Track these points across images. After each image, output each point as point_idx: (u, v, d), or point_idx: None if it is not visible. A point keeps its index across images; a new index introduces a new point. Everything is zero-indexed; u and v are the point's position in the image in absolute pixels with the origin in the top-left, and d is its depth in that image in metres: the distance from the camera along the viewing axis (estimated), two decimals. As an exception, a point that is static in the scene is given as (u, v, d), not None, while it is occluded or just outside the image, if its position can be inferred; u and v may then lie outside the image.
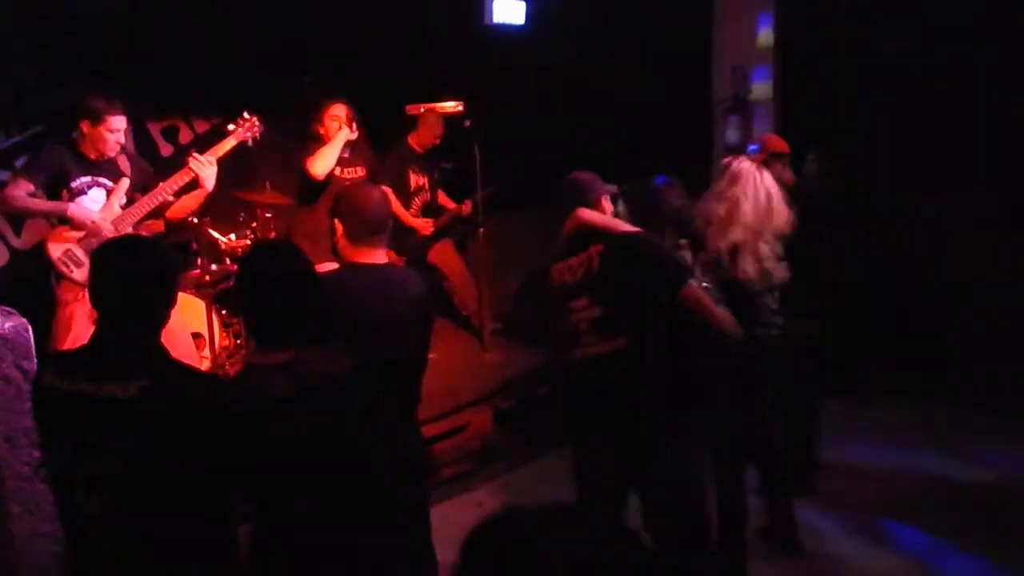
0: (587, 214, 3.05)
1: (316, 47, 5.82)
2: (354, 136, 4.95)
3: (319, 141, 4.90)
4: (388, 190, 5.45)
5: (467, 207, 5.73)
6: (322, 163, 4.79)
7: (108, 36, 4.93)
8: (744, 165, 3.51)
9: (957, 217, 5.56)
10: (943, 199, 5.60)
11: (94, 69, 4.85)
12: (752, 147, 4.33)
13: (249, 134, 4.33)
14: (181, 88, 5.40)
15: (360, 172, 5.12)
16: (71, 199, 3.95)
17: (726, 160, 3.64)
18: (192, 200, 4.18)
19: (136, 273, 2.06)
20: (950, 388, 5.13)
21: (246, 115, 4.36)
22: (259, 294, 2.22)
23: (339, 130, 4.85)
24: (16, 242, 5.05)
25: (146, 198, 4.04)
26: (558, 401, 3.20)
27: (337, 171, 4.96)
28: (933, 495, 4.26)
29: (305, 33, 5.76)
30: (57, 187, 3.97)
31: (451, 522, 3.65)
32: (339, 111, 4.90)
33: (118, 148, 4.04)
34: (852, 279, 4.68)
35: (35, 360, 2.94)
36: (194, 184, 4.10)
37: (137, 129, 5.42)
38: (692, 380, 3.03)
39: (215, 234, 5.18)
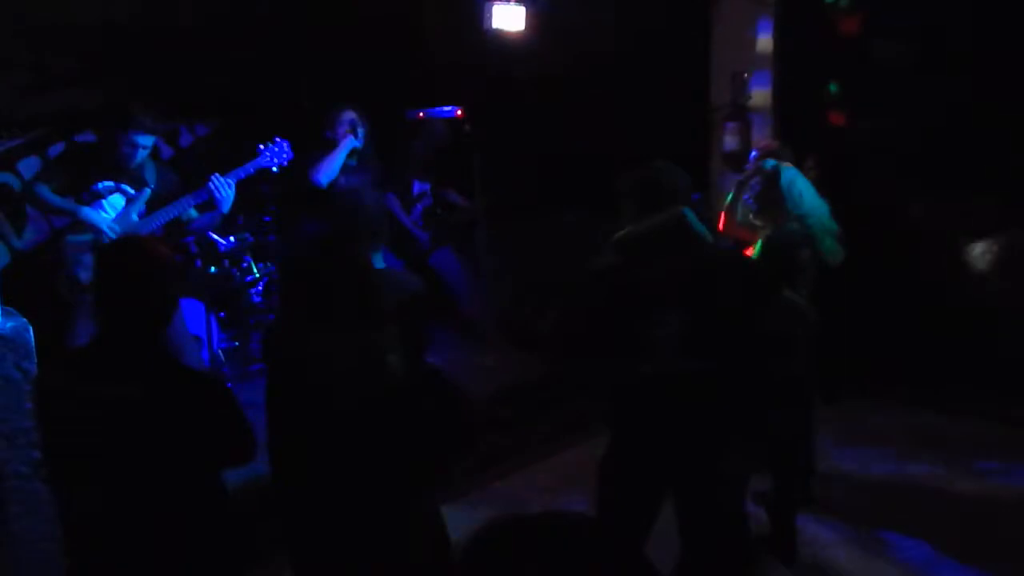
0: (691, 218, 2.79)
1: (316, 52, 5.84)
2: (359, 144, 4.95)
3: (327, 146, 4.90)
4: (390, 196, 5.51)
5: (475, 209, 5.73)
6: (326, 171, 4.79)
7: (109, 39, 4.96)
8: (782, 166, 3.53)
9: (956, 223, 5.57)
10: (943, 205, 5.61)
11: (95, 71, 4.88)
12: (754, 153, 4.35)
13: (276, 160, 4.29)
14: (182, 91, 5.43)
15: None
16: (91, 201, 3.97)
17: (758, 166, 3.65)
18: (207, 219, 4.22)
19: (138, 275, 2.08)
20: (950, 397, 5.13)
21: (276, 140, 4.30)
22: (343, 278, 2.29)
23: (345, 137, 4.86)
24: (18, 243, 5.07)
25: (162, 211, 4.05)
26: (619, 406, 2.91)
27: (342, 180, 4.96)
28: (932, 505, 4.24)
29: (305, 38, 5.79)
30: (79, 187, 3.99)
31: (449, 526, 3.67)
32: (348, 117, 4.92)
33: (133, 161, 4.03)
34: (851, 286, 4.69)
35: (35, 360, 2.95)
36: (211, 202, 4.10)
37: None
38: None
39: (214, 236, 5.21)
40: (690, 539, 2.86)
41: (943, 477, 4.52)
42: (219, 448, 2.08)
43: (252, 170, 4.20)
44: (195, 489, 2.05)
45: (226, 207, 4.08)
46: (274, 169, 4.31)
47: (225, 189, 4.04)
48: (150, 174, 4.12)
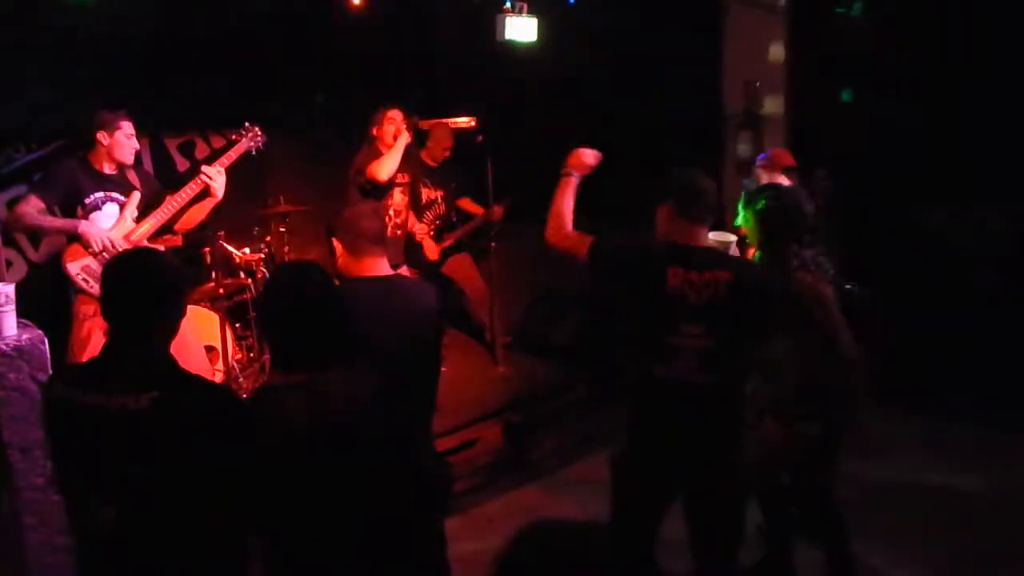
0: (715, 237, 2.90)
1: (331, 64, 5.88)
2: (410, 141, 5.06)
3: (373, 145, 5.04)
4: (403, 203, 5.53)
5: (496, 211, 5.75)
6: (387, 167, 4.93)
7: (125, 53, 5.01)
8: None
9: (965, 232, 5.54)
10: (951, 214, 5.59)
11: (112, 85, 4.93)
12: (760, 157, 4.38)
13: (253, 144, 4.42)
14: (197, 104, 5.48)
15: (406, 178, 5.26)
16: (85, 215, 3.99)
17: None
18: (201, 210, 4.24)
19: (145, 285, 2.08)
20: (965, 405, 5.10)
21: (247, 125, 4.45)
22: (280, 318, 2.19)
23: (396, 134, 4.99)
24: (34, 255, 5.12)
25: (158, 210, 4.09)
26: (632, 407, 2.93)
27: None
28: (948, 513, 4.23)
29: (319, 51, 5.83)
30: (72, 204, 4.01)
31: (461, 537, 3.65)
32: (395, 115, 5.05)
33: (134, 153, 4.09)
34: (861, 295, 4.66)
35: (50, 372, 2.97)
36: (203, 194, 4.16)
37: (154, 145, 5.51)
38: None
39: (229, 247, 5.24)
40: (699, 550, 2.87)
41: (960, 484, 4.49)
42: (231, 459, 2.06)
43: (235, 157, 4.29)
44: (205, 501, 2.04)
45: (221, 194, 4.17)
46: (252, 153, 4.42)
47: (218, 176, 4.13)
48: (134, 178, 4.17)
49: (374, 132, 5.04)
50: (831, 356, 3.02)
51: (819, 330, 3.02)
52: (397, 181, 5.14)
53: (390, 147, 4.94)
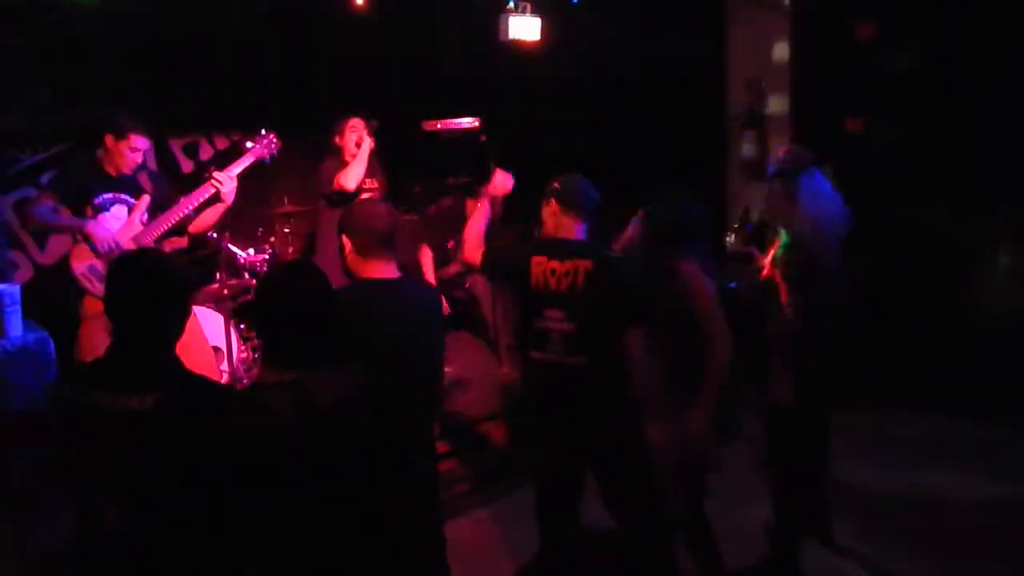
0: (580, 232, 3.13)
1: (335, 64, 5.90)
2: (373, 147, 5.02)
3: (338, 155, 4.99)
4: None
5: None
6: (354, 175, 4.91)
7: (129, 54, 5.03)
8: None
9: (966, 231, 5.54)
10: (951, 213, 5.58)
11: (117, 87, 4.96)
12: (788, 158, 4.24)
13: (267, 151, 4.42)
14: (202, 106, 5.50)
15: (375, 183, 5.18)
16: (94, 215, 4.02)
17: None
18: (211, 214, 4.26)
19: (149, 286, 2.09)
20: (965, 405, 5.10)
21: (263, 132, 4.45)
22: (272, 316, 2.21)
23: (359, 142, 4.95)
24: (41, 257, 5.15)
25: (167, 214, 4.10)
26: (526, 392, 3.27)
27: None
28: (949, 511, 4.23)
29: (325, 51, 5.85)
30: (81, 204, 4.04)
31: (467, 538, 3.67)
32: (357, 124, 5.01)
33: (135, 166, 4.10)
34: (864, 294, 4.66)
35: (56, 373, 3.00)
36: (214, 199, 4.17)
37: (159, 146, 5.53)
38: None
39: (234, 248, 5.26)
40: (613, 510, 3.16)
41: (961, 483, 4.50)
42: (234, 460, 2.08)
43: (248, 163, 4.30)
44: (210, 501, 2.05)
45: (231, 199, 4.18)
46: (267, 160, 4.43)
47: (228, 182, 4.14)
48: (145, 182, 4.19)
49: (337, 142, 5.01)
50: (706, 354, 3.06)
51: (698, 327, 3.07)
52: (365, 187, 5.06)
53: (354, 155, 4.91)
